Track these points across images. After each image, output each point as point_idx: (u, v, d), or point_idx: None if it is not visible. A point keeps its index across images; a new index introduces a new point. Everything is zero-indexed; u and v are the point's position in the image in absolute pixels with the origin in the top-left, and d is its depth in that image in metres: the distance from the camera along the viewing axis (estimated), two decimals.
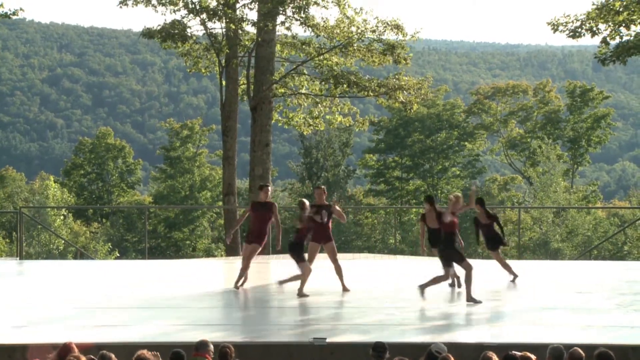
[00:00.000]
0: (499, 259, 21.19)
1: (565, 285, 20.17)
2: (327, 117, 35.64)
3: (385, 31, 32.36)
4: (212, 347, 12.06)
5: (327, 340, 14.39)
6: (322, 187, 19.27)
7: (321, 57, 33.55)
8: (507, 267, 21.02)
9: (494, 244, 20.65)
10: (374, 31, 32.33)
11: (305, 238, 18.39)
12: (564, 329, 15.33)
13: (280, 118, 35.84)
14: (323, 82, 33.93)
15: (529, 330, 15.41)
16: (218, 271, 24.06)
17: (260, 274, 20.88)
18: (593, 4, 26.99)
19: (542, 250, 56.60)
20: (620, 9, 26.32)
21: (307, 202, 18.32)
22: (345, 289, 18.89)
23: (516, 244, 54.55)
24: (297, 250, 18.17)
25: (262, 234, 19.07)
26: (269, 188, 19.47)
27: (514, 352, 11.63)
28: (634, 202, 73.61)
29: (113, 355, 11.84)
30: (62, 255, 49.60)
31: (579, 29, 27.43)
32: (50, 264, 26.65)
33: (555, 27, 27.80)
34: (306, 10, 31.64)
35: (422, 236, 19.62)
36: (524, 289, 20.14)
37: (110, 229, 66.58)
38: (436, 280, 17.88)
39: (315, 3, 32.05)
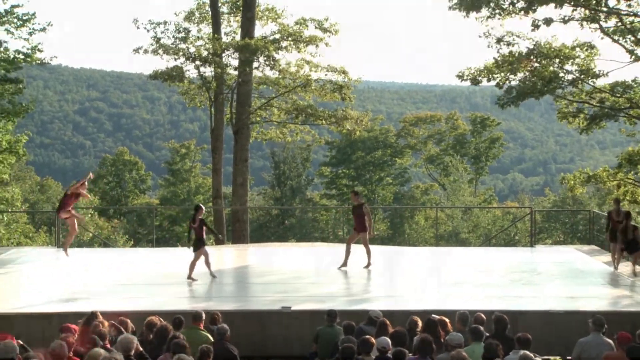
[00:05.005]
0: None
1: (471, 266, 20.27)
2: (293, 134, 35.75)
3: (334, 75, 32.48)
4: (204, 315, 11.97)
5: (292, 308, 14.40)
6: (357, 190, 19.07)
7: (286, 94, 33.59)
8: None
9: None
10: (326, 74, 32.44)
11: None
12: (470, 299, 15.43)
13: (257, 135, 35.75)
14: (287, 113, 33.98)
15: (445, 300, 15.48)
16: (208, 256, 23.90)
17: (240, 259, 20.75)
18: (494, 59, 26.88)
19: (454, 239, 56.80)
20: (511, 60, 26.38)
21: (203, 207, 17.95)
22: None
23: (434, 235, 54.66)
24: (200, 244, 17.91)
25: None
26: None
27: (433, 315, 11.69)
28: (522, 202, 74.21)
29: (129, 321, 11.77)
30: (90, 245, 48.93)
31: (478, 78, 27.36)
32: (80, 251, 26.32)
33: (461, 77, 27.72)
34: (273, 58, 31.58)
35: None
36: (440, 268, 20.24)
37: (127, 224, 65.79)
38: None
39: (280, 49, 32.02)
